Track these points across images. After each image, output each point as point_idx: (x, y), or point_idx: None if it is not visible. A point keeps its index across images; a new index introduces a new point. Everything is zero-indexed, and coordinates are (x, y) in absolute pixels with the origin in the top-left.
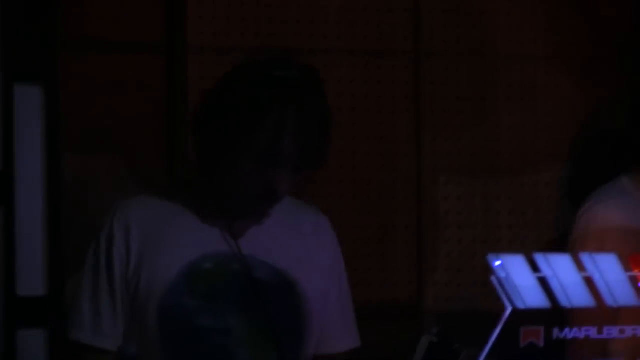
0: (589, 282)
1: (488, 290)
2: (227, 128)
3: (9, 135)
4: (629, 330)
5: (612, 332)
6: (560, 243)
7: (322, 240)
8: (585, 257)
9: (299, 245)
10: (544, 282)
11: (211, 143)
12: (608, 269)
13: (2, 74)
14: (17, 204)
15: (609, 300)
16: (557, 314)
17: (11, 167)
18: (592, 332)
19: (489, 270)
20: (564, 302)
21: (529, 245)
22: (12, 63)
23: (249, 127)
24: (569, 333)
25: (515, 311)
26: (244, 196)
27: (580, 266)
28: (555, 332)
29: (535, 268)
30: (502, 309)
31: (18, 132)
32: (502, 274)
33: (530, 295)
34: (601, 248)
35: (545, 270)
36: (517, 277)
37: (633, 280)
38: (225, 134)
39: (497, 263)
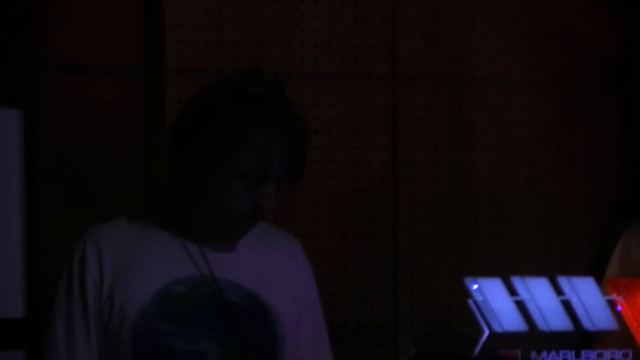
0: (567, 305)
1: (465, 314)
2: (209, 151)
3: None
4: (607, 354)
5: (590, 355)
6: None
7: (294, 264)
8: (562, 280)
9: (271, 268)
10: (521, 305)
11: (190, 166)
12: (586, 292)
13: None
14: None
15: (587, 324)
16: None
17: None
18: (570, 355)
19: (466, 293)
20: (541, 325)
21: (506, 269)
22: None
23: (233, 148)
24: (547, 356)
25: (493, 334)
26: (231, 216)
27: (557, 289)
28: (533, 355)
29: (512, 291)
30: (480, 332)
31: None
32: (480, 297)
33: (507, 318)
34: None
35: (523, 294)
36: (494, 300)
37: (611, 304)
38: (206, 157)
39: (475, 286)
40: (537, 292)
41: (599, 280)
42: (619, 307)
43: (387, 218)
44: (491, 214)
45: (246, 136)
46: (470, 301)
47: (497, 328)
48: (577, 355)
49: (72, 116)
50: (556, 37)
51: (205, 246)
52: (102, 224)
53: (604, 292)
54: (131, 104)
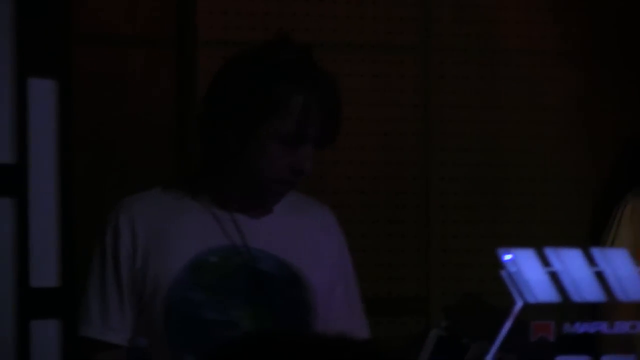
0: (600, 276)
1: (497, 286)
2: (247, 117)
3: (23, 128)
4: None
5: (623, 327)
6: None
7: (328, 234)
8: (595, 252)
9: (304, 238)
10: (554, 277)
11: (227, 134)
12: (619, 263)
13: (16, 67)
14: (30, 196)
15: (619, 295)
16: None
17: (25, 160)
18: (603, 327)
19: (498, 265)
20: (574, 296)
21: (538, 241)
22: (26, 57)
23: (272, 113)
24: (580, 327)
25: (526, 306)
26: (270, 180)
27: (590, 260)
28: (566, 326)
29: (545, 262)
30: (512, 303)
31: (31, 126)
32: (513, 268)
33: (540, 289)
34: None
35: (556, 265)
36: (527, 271)
37: None
38: (245, 124)
39: (508, 257)
40: (571, 263)
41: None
42: None
43: (418, 190)
44: (523, 185)
45: (284, 100)
46: (503, 272)
47: (530, 299)
48: (611, 326)
49: (105, 87)
50: (586, 8)
51: (238, 215)
52: (135, 195)
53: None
54: (163, 76)
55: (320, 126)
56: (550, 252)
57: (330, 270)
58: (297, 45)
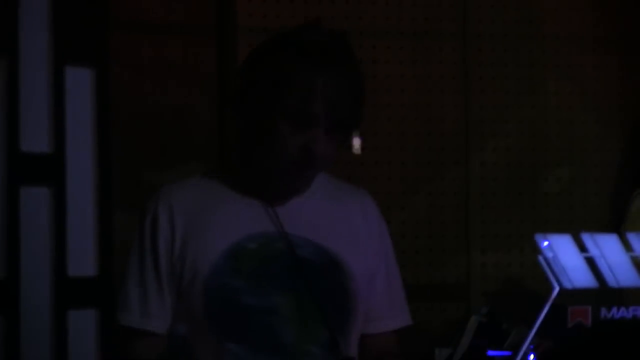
0: (637, 261)
1: (536, 271)
2: (261, 96)
3: (60, 117)
4: None
5: None
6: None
7: (367, 220)
8: (632, 237)
9: (344, 223)
10: (591, 262)
11: (248, 116)
12: None
13: (53, 56)
14: (68, 185)
15: None
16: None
17: (62, 149)
18: None
19: (537, 250)
20: (611, 282)
21: (577, 226)
22: (63, 45)
23: (280, 90)
24: (617, 312)
25: (563, 291)
26: (283, 162)
27: (627, 246)
28: (603, 311)
29: (582, 248)
30: (550, 288)
31: (69, 114)
32: (550, 254)
33: (577, 275)
34: None
35: (593, 250)
36: (564, 257)
37: None
38: (259, 103)
39: (545, 243)
40: (607, 248)
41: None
42: None
43: (459, 176)
44: (562, 171)
45: (291, 78)
46: (540, 258)
47: (567, 284)
48: None
49: (144, 75)
50: None
51: (275, 202)
52: (174, 183)
53: None
54: (203, 64)
55: (331, 107)
56: (587, 238)
57: (370, 256)
58: (328, 30)
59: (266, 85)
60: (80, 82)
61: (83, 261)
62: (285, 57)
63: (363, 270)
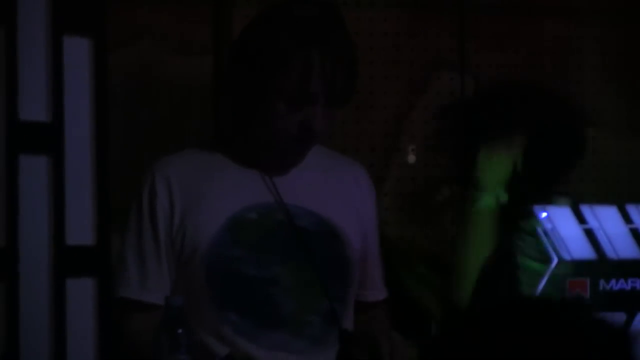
0: (636, 233)
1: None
2: (255, 73)
3: (58, 86)
4: None
5: None
6: None
7: (362, 190)
8: (631, 209)
9: (340, 193)
10: (590, 234)
11: (241, 92)
12: None
13: (51, 25)
14: (66, 154)
15: None
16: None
17: (60, 118)
18: (639, 283)
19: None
20: (610, 253)
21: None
22: (61, 15)
23: (276, 69)
24: (615, 285)
25: (561, 262)
26: (281, 139)
27: (626, 217)
28: (602, 283)
29: (581, 219)
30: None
31: (67, 84)
32: (548, 225)
33: (576, 246)
34: None
35: (592, 222)
36: (563, 228)
37: None
38: (253, 80)
39: (543, 214)
40: (606, 220)
41: None
42: None
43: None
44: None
45: (285, 55)
46: (538, 229)
47: (566, 256)
48: None
49: (141, 46)
50: None
51: (272, 173)
52: (170, 155)
53: None
54: (198, 35)
55: (328, 84)
56: (586, 209)
57: (364, 226)
58: (316, 2)
59: (261, 64)
60: (78, 51)
61: (81, 230)
62: (279, 35)
63: (359, 240)
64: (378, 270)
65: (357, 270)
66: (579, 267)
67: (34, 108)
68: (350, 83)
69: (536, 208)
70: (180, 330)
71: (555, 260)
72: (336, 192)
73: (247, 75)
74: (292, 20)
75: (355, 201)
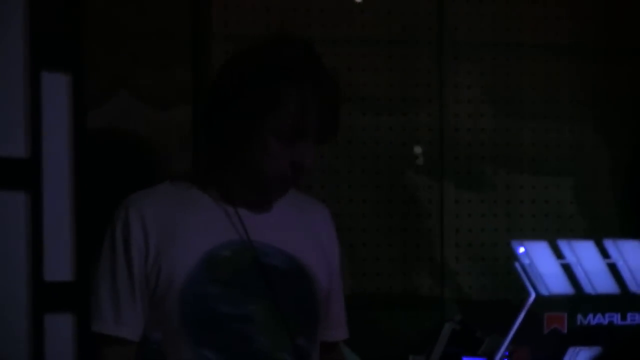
0: (613, 268)
1: (510, 279)
2: (247, 113)
3: (36, 122)
4: None
5: (635, 318)
6: None
7: (328, 229)
8: (608, 243)
9: (309, 233)
10: (567, 269)
11: (229, 130)
12: (632, 254)
13: (29, 61)
14: (44, 190)
15: (633, 287)
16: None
17: (38, 154)
18: (616, 318)
19: (512, 258)
20: (587, 288)
21: (552, 235)
22: (39, 51)
23: (269, 108)
24: (593, 319)
25: (539, 298)
26: (271, 176)
27: (604, 252)
28: (579, 318)
29: (559, 254)
30: (525, 296)
31: (45, 120)
32: (526, 261)
33: (553, 281)
34: None
35: (569, 257)
36: (540, 263)
37: None
38: (245, 120)
39: (521, 250)
40: (584, 255)
41: None
42: None
43: (433, 184)
44: (537, 179)
45: (281, 97)
46: (516, 264)
47: (544, 291)
48: (623, 318)
49: (118, 84)
50: (603, 3)
51: (243, 211)
52: (143, 190)
53: None
54: (177, 69)
55: (319, 121)
56: (564, 244)
57: (330, 265)
58: (299, 41)
59: (253, 103)
60: (56, 87)
61: (59, 266)
62: (270, 75)
63: (326, 279)
64: (342, 309)
65: (324, 308)
66: (557, 301)
67: (11, 144)
68: (338, 118)
69: (514, 243)
70: None
71: (533, 295)
72: (306, 231)
73: (235, 114)
74: (282, 60)
75: (322, 241)
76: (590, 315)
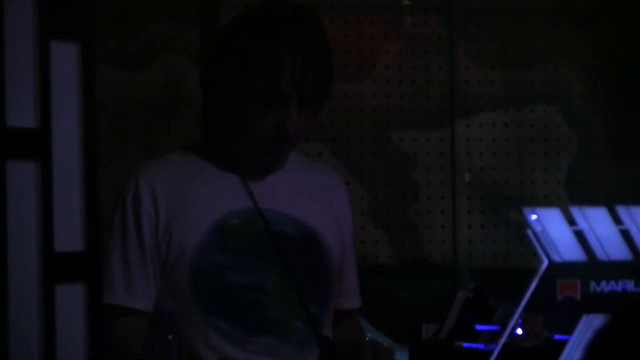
0: (626, 234)
1: (523, 247)
2: (229, 76)
3: (46, 92)
4: None
5: None
6: None
7: (339, 197)
8: (621, 210)
9: (319, 199)
10: (580, 235)
11: (217, 96)
12: None
13: (39, 30)
14: (54, 160)
15: None
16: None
17: (48, 123)
18: (630, 285)
19: (523, 226)
20: (600, 255)
21: (564, 201)
22: (49, 20)
23: (248, 70)
24: (606, 286)
25: (552, 265)
26: (255, 141)
27: (616, 219)
28: (592, 285)
29: (571, 221)
30: (538, 264)
31: (54, 89)
32: (538, 228)
33: (566, 248)
34: None
35: (582, 224)
36: (553, 230)
37: None
38: (227, 81)
39: (534, 217)
40: (596, 221)
41: None
42: None
43: (445, 151)
44: (549, 145)
45: (256, 56)
46: (528, 231)
47: (556, 258)
48: (637, 284)
49: (128, 54)
50: None
51: (253, 178)
52: (153, 160)
53: None
54: (187, 39)
55: (299, 85)
56: (576, 211)
57: (342, 232)
58: (294, 5)
59: (234, 65)
60: (66, 56)
61: (70, 236)
62: (250, 36)
63: (338, 246)
64: (354, 277)
65: (337, 276)
66: (570, 268)
67: (21, 114)
68: (324, 87)
69: (526, 210)
70: (170, 336)
71: (545, 262)
72: (317, 198)
73: (222, 76)
74: (265, 21)
75: (334, 208)
76: (604, 282)
